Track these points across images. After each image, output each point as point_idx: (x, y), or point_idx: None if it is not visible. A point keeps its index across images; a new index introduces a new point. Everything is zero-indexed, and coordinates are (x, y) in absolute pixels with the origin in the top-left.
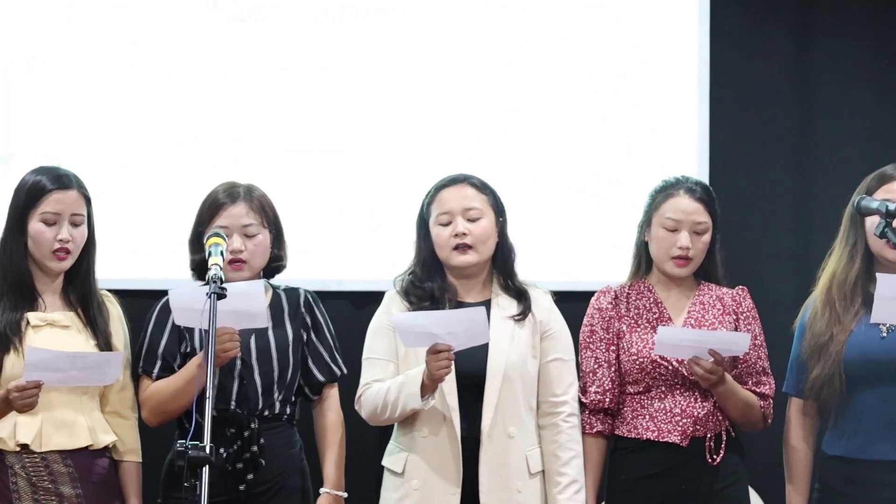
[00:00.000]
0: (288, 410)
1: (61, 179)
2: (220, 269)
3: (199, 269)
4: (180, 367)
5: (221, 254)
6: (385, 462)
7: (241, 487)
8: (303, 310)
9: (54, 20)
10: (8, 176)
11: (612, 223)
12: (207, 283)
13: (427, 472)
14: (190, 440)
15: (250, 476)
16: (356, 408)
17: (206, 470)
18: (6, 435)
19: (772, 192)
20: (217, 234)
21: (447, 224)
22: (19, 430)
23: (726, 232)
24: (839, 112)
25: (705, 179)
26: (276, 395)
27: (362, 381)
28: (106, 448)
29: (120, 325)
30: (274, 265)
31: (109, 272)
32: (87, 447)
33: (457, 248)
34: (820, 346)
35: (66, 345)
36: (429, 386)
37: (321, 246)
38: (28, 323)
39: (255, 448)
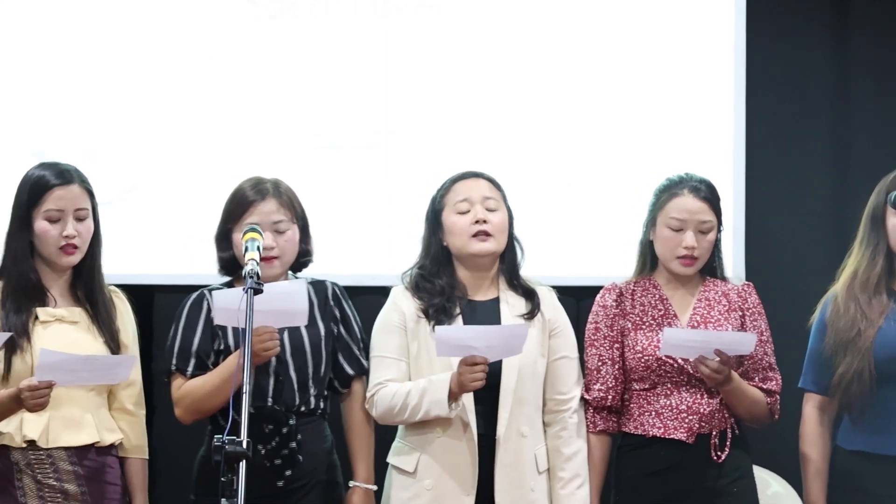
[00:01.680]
0: (321, 405)
1: (63, 175)
2: (257, 264)
3: (228, 266)
4: (214, 364)
5: (258, 249)
6: (392, 460)
7: (279, 483)
8: (331, 303)
9: (86, 17)
10: None
11: (624, 219)
12: (245, 279)
13: (441, 472)
14: (226, 434)
15: (289, 472)
16: (366, 406)
17: (243, 465)
18: (12, 431)
19: (808, 191)
20: (253, 230)
21: (466, 212)
22: (26, 426)
23: (762, 229)
24: (876, 110)
25: (741, 177)
26: (311, 391)
27: (373, 379)
28: (112, 446)
29: (129, 322)
30: (302, 259)
31: (142, 268)
32: (93, 444)
33: (476, 235)
34: (846, 342)
35: (74, 341)
36: (456, 394)
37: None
38: (37, 318)
39: (293, 444)
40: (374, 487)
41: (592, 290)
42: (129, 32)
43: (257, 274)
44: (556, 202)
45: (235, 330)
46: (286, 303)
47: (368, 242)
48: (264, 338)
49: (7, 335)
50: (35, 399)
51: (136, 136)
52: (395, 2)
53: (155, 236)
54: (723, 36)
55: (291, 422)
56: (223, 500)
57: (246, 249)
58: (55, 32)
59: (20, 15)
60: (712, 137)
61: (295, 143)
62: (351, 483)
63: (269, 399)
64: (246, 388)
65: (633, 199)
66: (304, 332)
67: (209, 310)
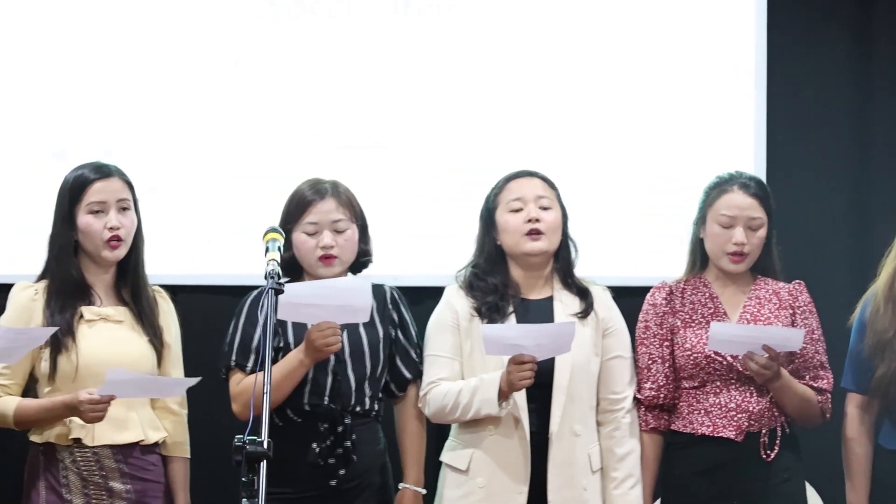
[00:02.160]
0: (376, 407)
1: (101, 169)
2: (278, 264)
3: (288, 266)
4: (274, 361)
5: (279, 249)
6: (445, 458)
7: (332, 483)
8: (390, 307)
9: (108, 18)
10: (63, 171)
11: (667, 218)
12: (266, 279)
13: (493, 469)
14: (248, 434)
15: (342, 471)
16: (420, 405)
17: (263, 465)
18: (58, 429)
19: (829, 189)
20: (274, 230)
21: (519, 210)
22: (72, 424)
23: (783, 227)
24: None
25: (762, 175)
26: (366, 392)
27: (426, 378)
28: (156, 444)
29: (172, 321)
30: (361, 260)
31: (162, 268)
32: (137, 443)
33: (529, 233)
34: (884, 344)
35: (118, 340)
36: (506, 393)
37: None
38: (81, 317)
39: (347, 444)
40: (424, 491)
41: (640, 291)
42: (148, 33)
43: (278, 274)
44: (595, 202)
45: (296, 326)
46: (349, 299)
47: (397, 243)
48: (326, 333)
49: (51, 330)
50: (94, 412)
51: (155, 136)
52: (417, 3)
53: (175, 237)
54: (744, 33)
55: (346, 421)
56: (244, 499)
57: (266, 250)
58: (75, 33)
59: (41, 16)
60: (732, 135)
61: (317, 144)
62: (401, 485)
63: (326, 398)
64: (266, 387)
65: (662, 198)
66: (363, 333)
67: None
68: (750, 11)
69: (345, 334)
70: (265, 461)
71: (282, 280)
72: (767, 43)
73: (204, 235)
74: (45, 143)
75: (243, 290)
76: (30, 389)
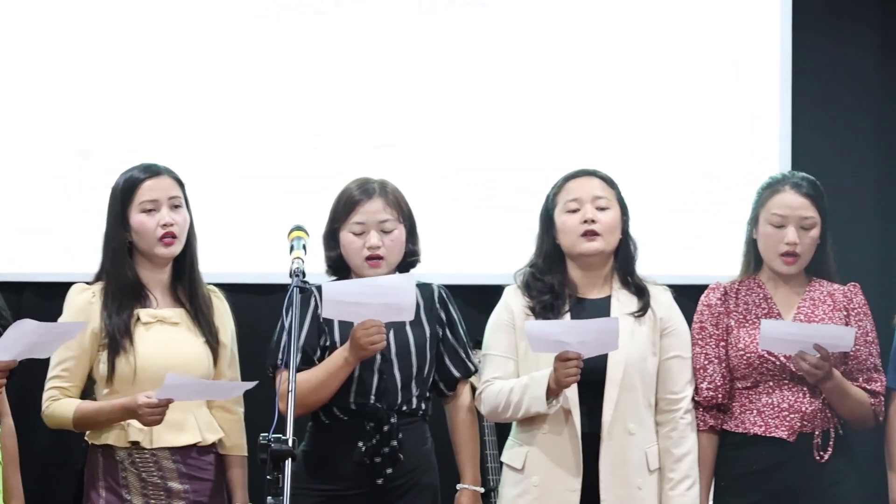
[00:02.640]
0: (423, 406)
1: (151, 168)
2: (303, 262)
3: (335, 265)
4: (320, 360)
5: (304, 247)
6: (504, 458)
7: (379, 481)
8: (437, 306)
9: (132, 18)
10: (90, 170)
11: (695, 216)
12: (291, 276)
13: (547, 468)
14: (273, 433)
15: (389, 470)
16: (475, 404)
17: (288, 463)
18: (117, 432)
19: (854, 186)
20: (299, 228)
21: (575, 211)
22: (130, 428)
23: None
24: None
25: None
26: (413, 391)
27: (482, 377)
28: (213, 444)
29: (227, 321)
30: (409, 260)
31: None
32: (194, 444)
33: (585, 234)
34: None
35: (175, 341)
36: (554, 390)
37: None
38: (138, 319)
39: (394, 443)
40: (482, 490)
41: (695, 290)
42: (173, 33)
43: (303, 272)
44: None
45: (342, 325)
46: (394, 297)
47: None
48: (371, 331)
49: (82, 324)
50: (153, 416)
51: (179, 135)
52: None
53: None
54: (770, 33)
55: (393, 420)
56: (269, 498)
57: (292, 248)
58: (100, 33)
59: (66, 15)
60: (758, 133)
61: (343, 145)
62: (458, 486)
63: (372, 396)
64: (291, 387)
65: (686, 196)
66: (409, 332)
67: (316, 305)
68: (775, 11)
69: (391, 333)
70: (290, 459)
71: (307, 278)
72: (792, 42)
73: (231, 233)
74: (70, 142)
75: (274, 289)
76: (88, 391)
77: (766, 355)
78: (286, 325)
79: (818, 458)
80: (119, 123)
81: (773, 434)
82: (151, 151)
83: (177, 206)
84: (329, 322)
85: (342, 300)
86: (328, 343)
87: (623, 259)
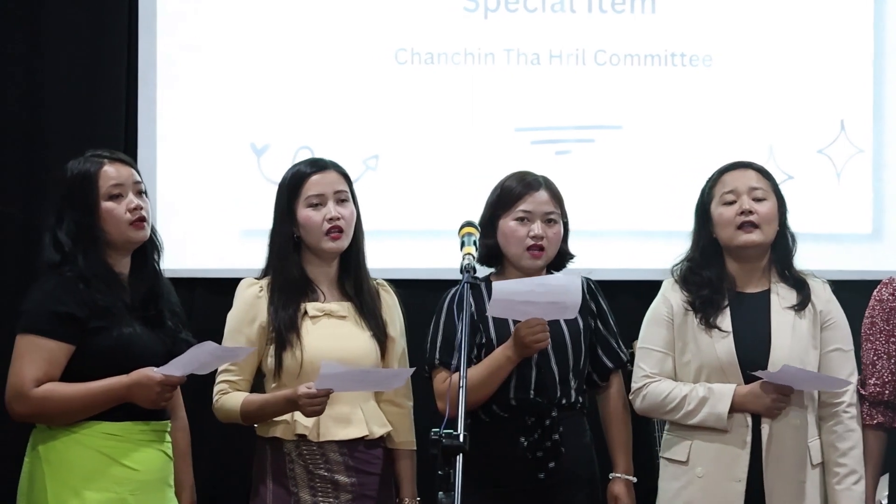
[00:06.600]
0: (581, 399)
1: (317, 163)
2: (474, 258)
3: (490, 253)
4: (477, 358)
5: (474, 243)
6: (664, 453)
7: (541, 476)
8: (588, 298)
9: (302, 15)
10: (265, 166)
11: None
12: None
13: (712, 458)
14: (444, 429)
15: (551, 464)
16: (631, 397)
17: (459, 458)
18: (285, 425)
19: None
20: (470, 224)
21: (732, 203)
22: (296, 422)
23: None
24: None
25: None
26: (571, 384)
27: (641, 370)
28: (381, 438)
29: (396, 315)
30: (563, 257)
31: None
32: (362, 438)
33: (742, 226)
34: None
35: (342, 335)
36: (737, 408)
37: None
38: (305, 313)
39: (555, 436)
40: (635, 479)
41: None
42: (345, 28)
43: (474, 268)
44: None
45: (497, 323)
46: (561, 296)
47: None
48: (536, 329)
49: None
50: (313, 406)
51: (351, 131)
52: None
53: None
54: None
55: (554, 414)
56: (440, 493)
57: (462, 244)
58: (273, 29)
59: (241, 12)
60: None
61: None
62: (611, 475)
63: (532, 391)
64: (462, 382)
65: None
66: (563, 325)
67: (471, 303)
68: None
69: None
70: (461, 455)
71: (477, 275)
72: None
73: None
74: (244, 137)
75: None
76: (259, 386)
77: None
78: (457, 321)
79: None
80: (292, 119)
81: None
82: (323, 148)
83: (343, 201)
84: (484, 319)
85: (510, 299)
86: (483, 341)
87: (781, 251)
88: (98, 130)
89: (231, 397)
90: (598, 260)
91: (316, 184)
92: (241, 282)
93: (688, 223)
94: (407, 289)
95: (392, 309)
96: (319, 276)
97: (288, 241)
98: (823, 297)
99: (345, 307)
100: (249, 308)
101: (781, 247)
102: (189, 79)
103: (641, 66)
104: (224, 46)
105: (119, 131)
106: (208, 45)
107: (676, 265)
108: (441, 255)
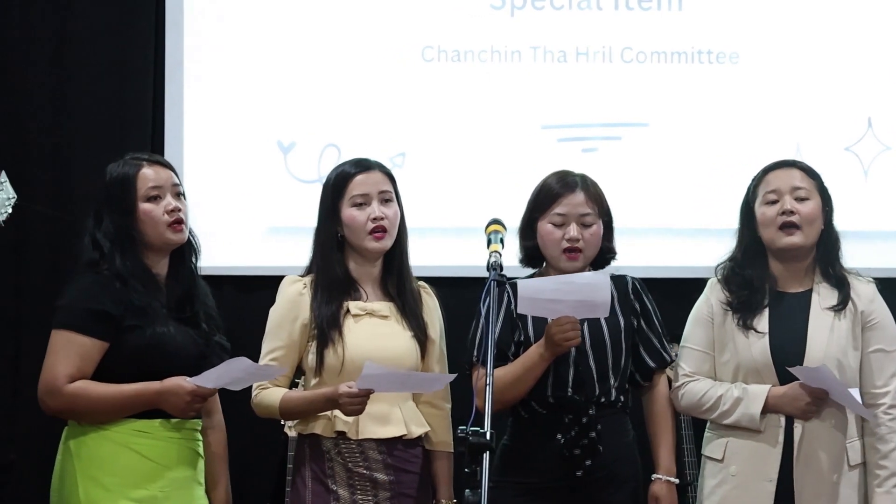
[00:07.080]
0: (622, 398)
1: (362, 163)
2: (500, 256)
3: (531, 255)
4: (514, 355)
5: (501, 241)
6: (705, 451)
7: (578, 473)
8: (631, 297)
9: (331, 13)
10: (291, 164)
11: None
12: (489, 270)
13: (745, 458)
14: (471, 426)
15: (588, 462)
16: (672, 395)
17: (486, 456)
18: (324, 423)
19: None
20: (496, 222)
21: (774, 202)
22: (336, 419)
23: None
24: None
25: None
26: (611, 382)
27: (682, 369)
28: (419, 437)
29: (436, 317)
30: (605, 256)
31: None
32: (401, 437)
33: (783, 227)
34: None
35: (384, 335)
36: (770, 409)
37: None
38: (348, 311)
39: (593, 434)
40: (677, 480)
41: None
42: (371, 26)
43: (500, 266)
44: None
45: (536, 320)
46: (589, 294)
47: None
48: (565, 328)
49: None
50: (353, 405)
51: (378, 129)
52: None
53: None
54: None
55: (591, 412)
56: (467, 491)
57: (489, 242)
58: (299, 27)
59: (268, 10)
60: None
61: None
62: (654, 476)
63: (570, 389)
64: (488, 379)
65: None
66: (603, 323)
67: (509, 301)
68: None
69: (585, 325)
70: (488, 452)
71: (504, 272)
72: None
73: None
74: (272, 134)
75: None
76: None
77: None
78: (482, 317)
79: None
80: (319, 117)
81: None
82: (351, 147)
83: (387, 201)
84: (523, 317)
85: (537, 297)
86: (522, 338)
87: (825, 251)
88: (125, 128)
89: (270, 393)
90: (623, 257)
91: (361, 184)
92: (285, 279)
93: (714, 220)
94: (433, 286)
95: (433, 311)
96: (362, 276)
97: (332, 240)
98: (866, 296)
99: (387, 307)
100: (293, 305)
101: (826, 246)
102: (216, 77)
103: (668, 63)
104: (251, 45)
105: (146, 129)
106: (235, 43)
107: (720, 264)
108: (468, 252)
